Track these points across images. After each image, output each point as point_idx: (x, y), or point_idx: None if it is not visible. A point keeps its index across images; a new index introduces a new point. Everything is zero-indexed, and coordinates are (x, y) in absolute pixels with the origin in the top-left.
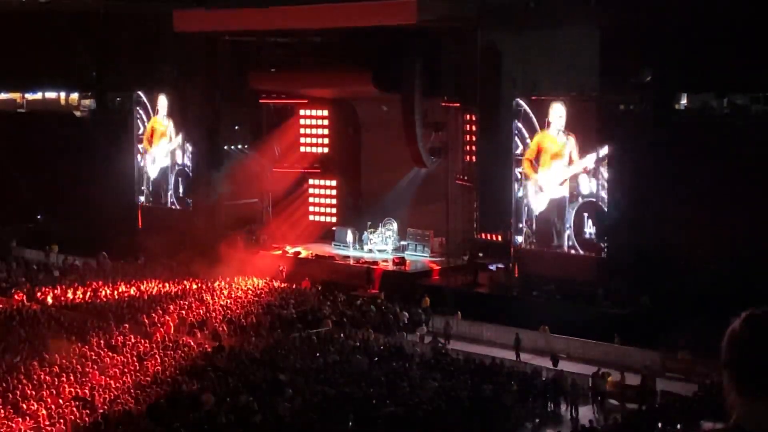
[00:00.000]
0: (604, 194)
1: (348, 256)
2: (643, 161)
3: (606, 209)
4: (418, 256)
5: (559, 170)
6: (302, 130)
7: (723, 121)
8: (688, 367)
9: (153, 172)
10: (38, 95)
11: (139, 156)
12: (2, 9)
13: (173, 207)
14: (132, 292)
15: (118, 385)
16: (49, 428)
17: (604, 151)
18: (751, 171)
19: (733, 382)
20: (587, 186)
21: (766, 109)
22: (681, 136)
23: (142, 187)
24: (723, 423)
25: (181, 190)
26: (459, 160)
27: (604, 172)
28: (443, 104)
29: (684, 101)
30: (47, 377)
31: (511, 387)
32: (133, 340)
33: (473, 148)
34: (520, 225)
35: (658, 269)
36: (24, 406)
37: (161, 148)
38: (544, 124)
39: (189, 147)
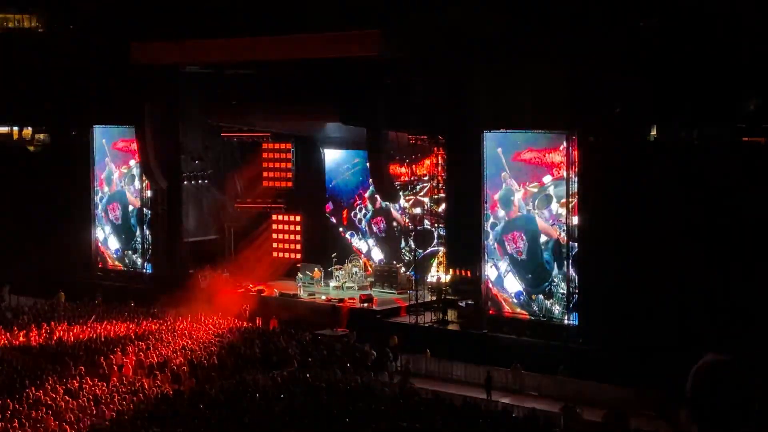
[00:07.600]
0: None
1: (313, 294)
2: (614, 193)
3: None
4: (386, 293)
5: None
6: (265, 165)
7: (694, 151)
8: (660, 403)
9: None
10: None
11: (98, 191)
12: None
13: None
14: (88, 334)
15: (74, 431)
16: None
17: (574, 183)
18: (721, 200)
19: (696, 416)
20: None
21: (735, 140)
22: (651, 167)
23: (99, 227)
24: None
25: (137, 234)
26: (428, 193)
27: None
28: (410, 137)
29: (654, 132)
30: None
31: (482, 427)
32: (89, 383)
33: (442, 181)
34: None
35: (629, 304)
36: None
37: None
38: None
39: (146, 183)
